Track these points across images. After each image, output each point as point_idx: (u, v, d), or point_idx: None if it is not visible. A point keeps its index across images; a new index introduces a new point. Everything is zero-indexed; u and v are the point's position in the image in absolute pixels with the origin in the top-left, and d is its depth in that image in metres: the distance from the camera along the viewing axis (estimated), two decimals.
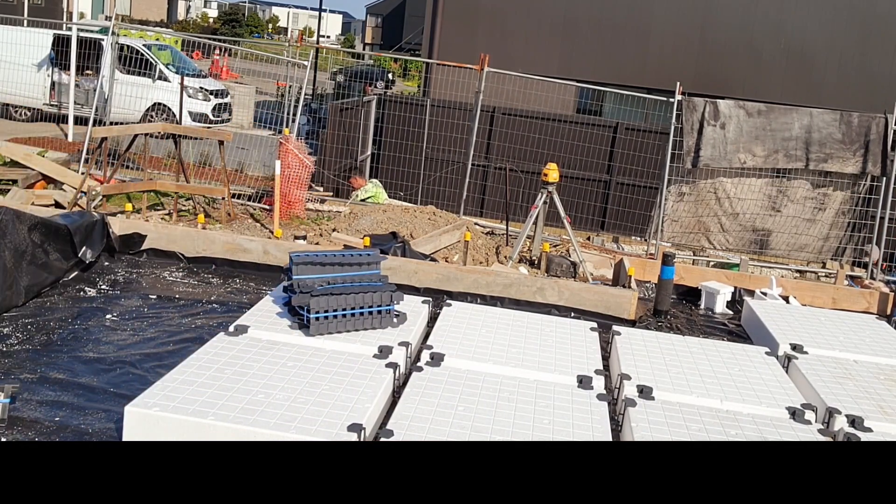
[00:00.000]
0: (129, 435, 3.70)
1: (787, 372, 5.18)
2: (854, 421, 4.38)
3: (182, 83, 14.28)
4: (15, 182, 10.10)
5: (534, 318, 5.68)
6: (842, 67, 15.96)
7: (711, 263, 10.49)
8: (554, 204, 9.61)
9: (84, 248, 6.12)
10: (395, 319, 5.14)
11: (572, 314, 6.51)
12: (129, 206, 9.45)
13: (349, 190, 12.10)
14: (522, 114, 12.73)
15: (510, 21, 16.59)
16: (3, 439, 3.87)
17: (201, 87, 17.99)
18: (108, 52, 13.04)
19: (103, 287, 5.97)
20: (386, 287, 5.22)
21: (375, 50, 50.44)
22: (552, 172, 9.58)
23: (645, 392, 4.47)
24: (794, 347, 5.56)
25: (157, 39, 21.99)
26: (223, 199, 10.30)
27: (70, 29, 16.19)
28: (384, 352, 4.65)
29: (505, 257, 9.67)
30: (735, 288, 7.52)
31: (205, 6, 76.85)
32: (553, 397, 4.30)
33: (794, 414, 4.39)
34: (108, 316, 5.43)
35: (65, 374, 4.58)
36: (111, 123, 12.38)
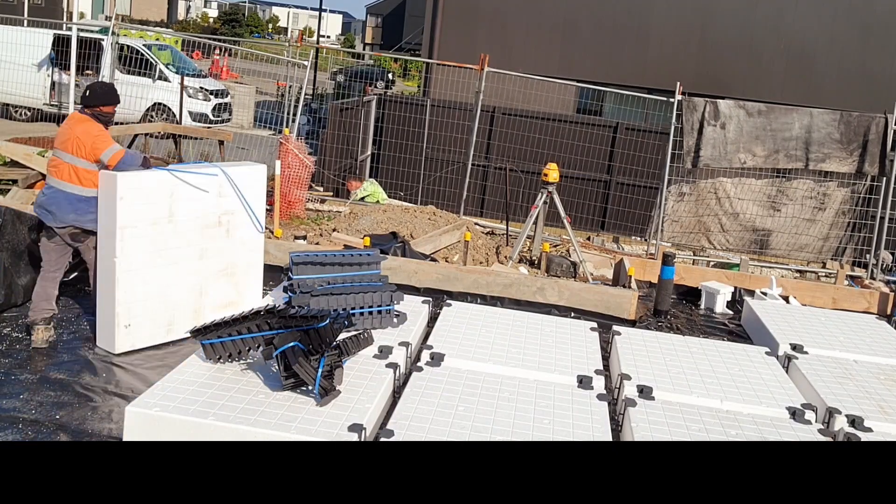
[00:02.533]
0: (129, 435, 3.70)
1: (787, 372, 5.18)
2: (854, 421, 4.38)
3: (182, 83, 14.28)
4: (15, 182, 10.10)
5: (534, 318, 5.68)
6: (842, 67, 15.96)
7: (711, 263, 10.49)
8: (554, 204, 9.61)
9: None
10: (395, 319, 5.14)
11: (572, 314, 6.51)
12: None
13: (348, 191, 12.11)
14: (522, 114, 12.73)
15: (510, 21, 16.59)
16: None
17: (201, 87, 18.00)
18: (109, 52, 13.04)
19: None
20: (386, 287, 5.22)
21: (375, 50, 50.43)
22: (552, 172, 9.58)
23: (645, 392, 4.47)
24: (795, 347, 5.56)
25: (157, 39, 21.98)
26: None
27: (70, 29, 16.19)
28: (384, 352, 4.64)
29: (505, 257, 9.67)
30: (735, 288, 7.51)
31: (205, 6, 76.85)
32: (553, 397, 4.30)
33: (794, 414, 4.39)
34: None
35: (65, 374, 4.58)
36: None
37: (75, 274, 6.04)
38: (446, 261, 8.91)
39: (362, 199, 11.63)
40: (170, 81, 16.71)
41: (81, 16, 35.46)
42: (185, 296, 5.12)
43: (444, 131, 12.47)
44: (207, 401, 3.79)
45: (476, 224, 11.06)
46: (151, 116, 16.24)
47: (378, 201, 11.59)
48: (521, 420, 3.98)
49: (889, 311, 7.19)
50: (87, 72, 16.17)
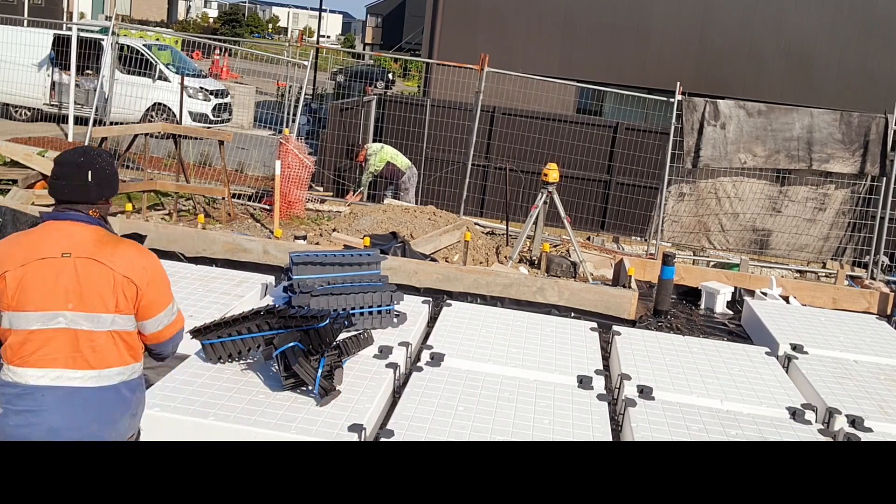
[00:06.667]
0: None
1: (787, 372, 5.18)
2: (854, 421, 4.38)
3: (182, 83, 14.26)
4: (15, 182, 10.10)
5: (534, 318, 5.68)
6: (842, 67, 15.95)
7: (711, 263, 10.49)
8: (554, 204, 9.61)
9: None
10: (395, 319, 5.14)
11: (572, 314, 6.51)
12: (129, 206, 9.45)
13: (349, 190, 12.10)
14: (522, 114, 12.72)
15: (510, 21, 16.58)
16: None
17: (201, 87, 17.98)
18: (109, 52, 13.03)
19: None
20: (386, 287, 5.22)
21: (375, 50, 50.43)
22: (552, 172, 9.58)
23: (645, 392, 4.47)
24: (795, 347, 5.56)
25: (158, 39, 21.97)
26: (223, 199, 10.30)
27: (70, 29, 16.19)
28: (384, 352, 4.65)
29: (505, 257, 9.67)
30: (735, 288, 7.51)
31: (205, 6, 76.84)
32: (553, 397, 4.30)
33: (795, 414, 4.39)
34: None
35: None
36: (111, 123, 12.38)
37: None
38: (446, 261, 8.91)
39: (373, 172, 11.43)
40: (170, 81, 16.70)
41: (81, 16, 35.47)
42: None
43: (444, 131, 12.47)
44: (207, 401, 3.79)
45: (476, 224, 11.06)
46: (151, 116, 16.23)
47: (388, 160, 11.35)
48: (521, 420, 3.98)
49: (889, 311, 7.19)
50: (87, 72, 16.17)
